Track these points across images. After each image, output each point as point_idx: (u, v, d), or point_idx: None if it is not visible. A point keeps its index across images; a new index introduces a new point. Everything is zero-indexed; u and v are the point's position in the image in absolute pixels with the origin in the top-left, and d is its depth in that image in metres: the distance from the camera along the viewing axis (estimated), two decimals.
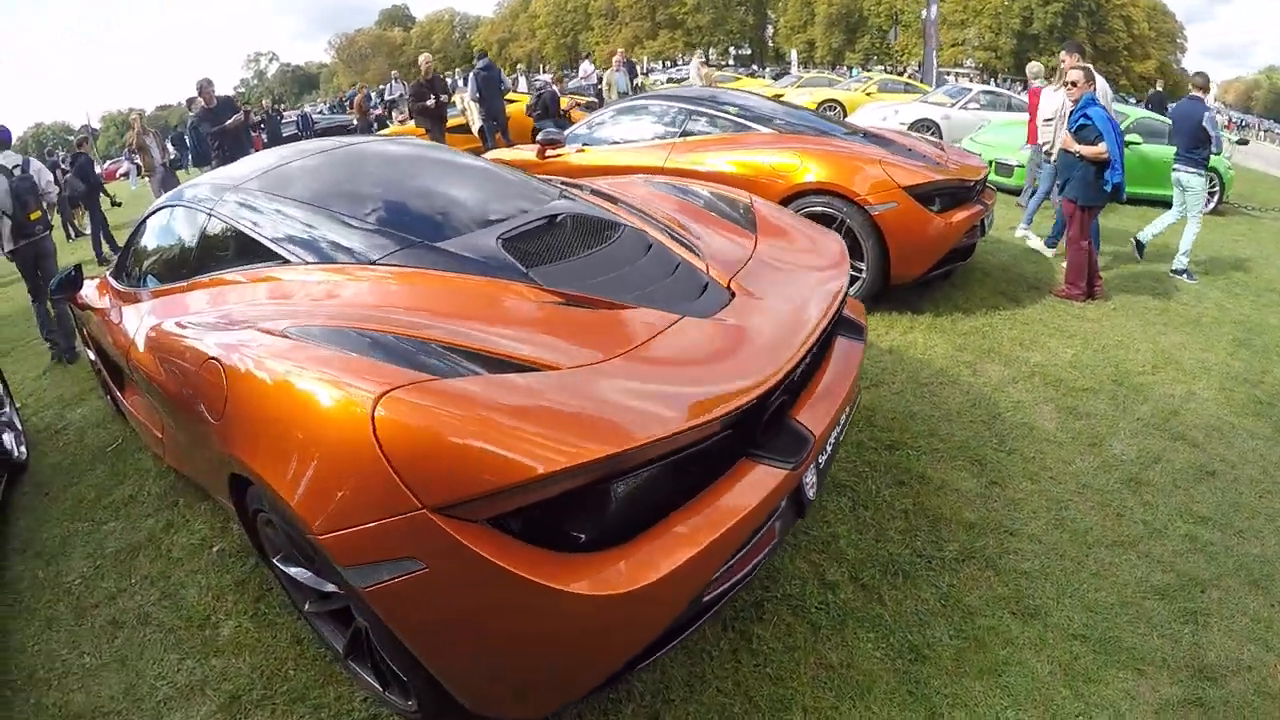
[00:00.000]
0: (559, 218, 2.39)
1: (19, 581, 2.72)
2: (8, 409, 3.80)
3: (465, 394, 1.43)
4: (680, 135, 4.96)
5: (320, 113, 16.96)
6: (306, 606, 2.02)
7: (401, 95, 17.95)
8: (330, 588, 1.78)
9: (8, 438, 3.56)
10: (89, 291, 3.48)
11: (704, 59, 15.22)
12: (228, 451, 1.75)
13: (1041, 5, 43.47)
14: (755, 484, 1.64)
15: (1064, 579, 2.32)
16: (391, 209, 2.39)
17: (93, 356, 4.01)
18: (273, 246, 2.26)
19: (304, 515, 1.44)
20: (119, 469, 3.40)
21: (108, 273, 3.50)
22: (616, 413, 1.47)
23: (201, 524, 2.88)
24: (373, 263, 2.08)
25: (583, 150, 5.34)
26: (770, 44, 56.19)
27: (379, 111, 14.85)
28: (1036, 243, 6.07)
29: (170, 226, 2.91)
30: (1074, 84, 4.80)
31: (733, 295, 2.07)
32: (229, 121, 7.07)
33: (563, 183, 3.12)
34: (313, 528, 1.42)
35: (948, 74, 32.24)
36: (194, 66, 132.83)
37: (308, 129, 14.58)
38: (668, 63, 43.72)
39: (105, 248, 9.30)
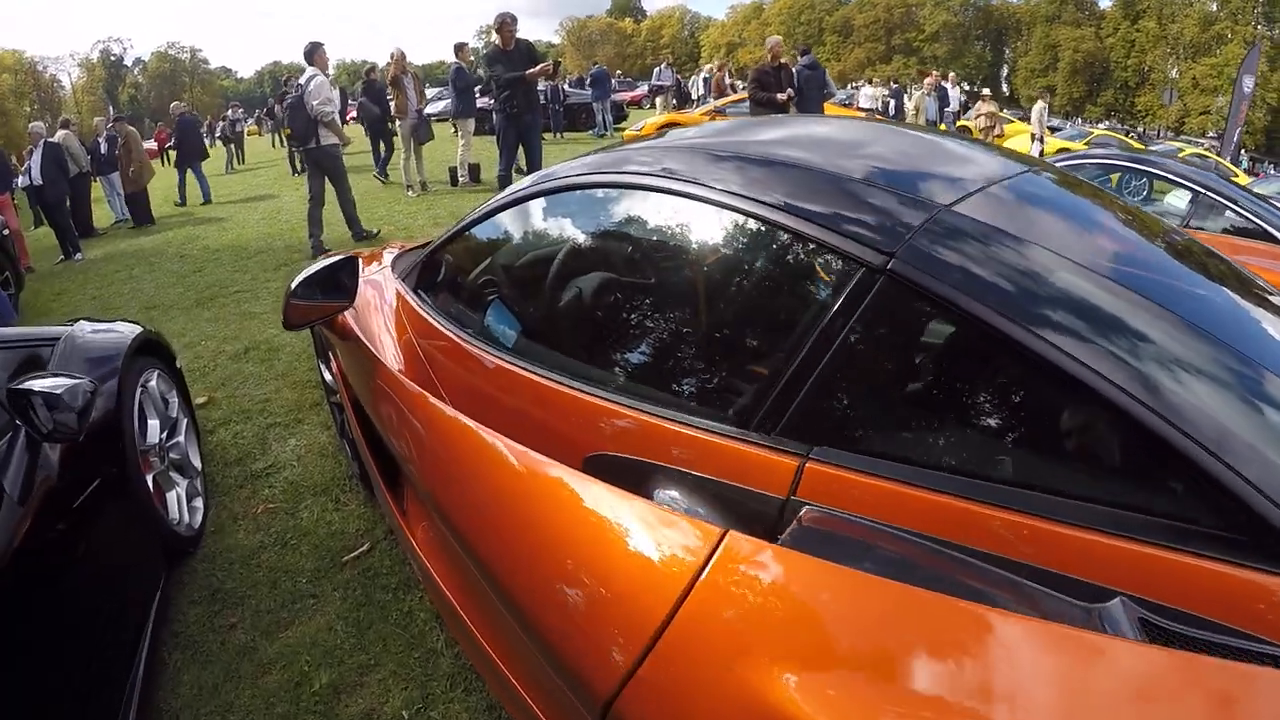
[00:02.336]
0: None
1: None
2: (180, 437, 2.29)
3: None
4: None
5: (570, 86, 16.02)
6: None
7: (671, 85, 16.79)
8: None
9: (174, 497, 2.13)
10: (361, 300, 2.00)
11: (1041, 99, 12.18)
12: None
13: None
14: None
15: None
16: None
17: (328, 377, 2.57)
18: None
19: None
20: (368, 617, 1.82)
21: (399, 278, 2.03)
22: None
23: None
24: None
25: None
26: (1006, 85, 51.82)
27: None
28: None
29: (624, 232, 1.37)
30: None
31: None
32: (532, 70, 5.74)
33: None
34: None
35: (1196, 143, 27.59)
36: (424, 31, 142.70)
37: (557, 101, 13.60)
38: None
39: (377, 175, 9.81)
